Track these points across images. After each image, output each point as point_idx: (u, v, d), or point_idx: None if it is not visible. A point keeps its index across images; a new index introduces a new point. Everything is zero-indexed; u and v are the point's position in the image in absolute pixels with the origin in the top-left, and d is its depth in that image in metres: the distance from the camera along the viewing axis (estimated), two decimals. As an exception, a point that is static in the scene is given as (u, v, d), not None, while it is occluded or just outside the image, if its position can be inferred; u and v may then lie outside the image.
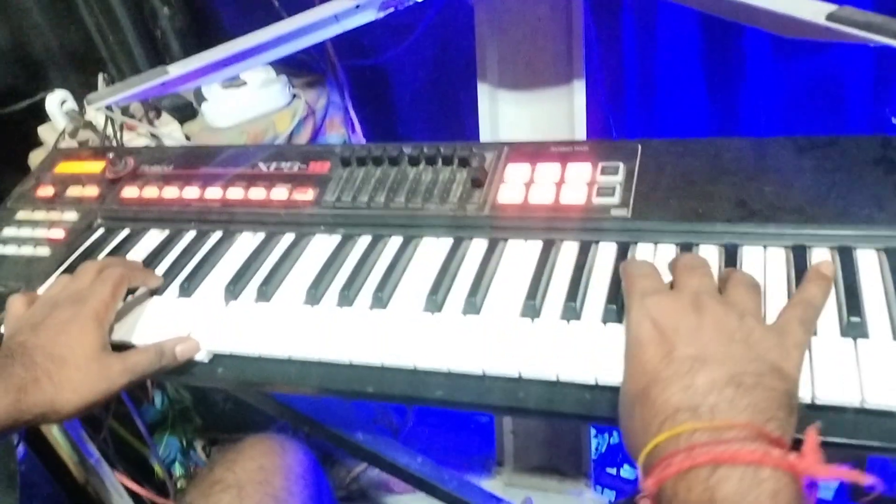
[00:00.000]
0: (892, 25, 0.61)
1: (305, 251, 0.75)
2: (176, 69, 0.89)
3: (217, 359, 0.67)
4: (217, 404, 1.63)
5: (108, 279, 0.67)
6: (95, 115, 1.31)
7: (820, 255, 0.60)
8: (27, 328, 0.63)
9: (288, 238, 0.77)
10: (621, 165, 0.71)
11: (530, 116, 1.10)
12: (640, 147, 0.73)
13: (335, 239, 0.75)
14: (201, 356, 0.67)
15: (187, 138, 1.43)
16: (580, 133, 1.09)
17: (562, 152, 0.75)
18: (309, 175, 0.82)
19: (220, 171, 0.86)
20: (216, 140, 1.42)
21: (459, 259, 0.69)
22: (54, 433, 1.28)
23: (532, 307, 0.61)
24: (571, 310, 0.60)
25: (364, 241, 0.74)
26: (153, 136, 1.33)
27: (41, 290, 0.75)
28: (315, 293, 0.68)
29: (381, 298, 0.66)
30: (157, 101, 1.48)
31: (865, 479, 0.41)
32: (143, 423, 1.48)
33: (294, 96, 1.49)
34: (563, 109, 1.09)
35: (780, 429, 0.42)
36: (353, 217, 0.76)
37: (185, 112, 1.49)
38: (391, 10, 0.98)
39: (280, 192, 0.81)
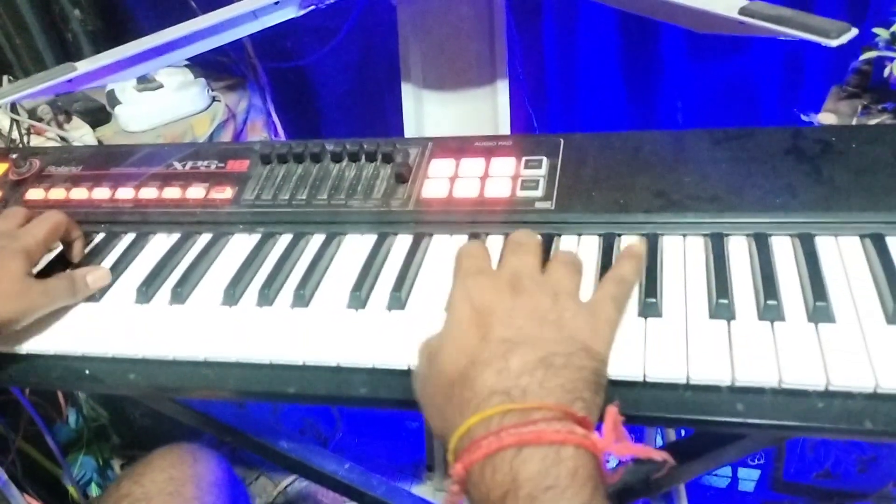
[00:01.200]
0: (801, 18, 0.62)
1: (223, 251, 0.72)
2: (84, 65, 0.85)
3: (128, 364, 0.64)
4: (135, 420, 1.57)
5: (44, 222, 0.69)
6: (1, 117, 1.25)
7: (737, 243, 0.62)
8: None
9: (205, 238, 0.74)
10: (544, 159, 0.71)
11: (455, 116, 1.10)
12: (562, 141, 0.73)
13: (254, 238, 0.73)
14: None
15: (100, 143, 1.37)
16: (504, 131, 1.09)
17: (486, 147, 0.75)
18: (227, 173, 0.79)
19: (133, 171, 0.82)
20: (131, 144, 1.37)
21: (384, 255, 0.68)
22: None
23: (457, 300, 0.60)
24: (497, 302, 0.60)
25: (285, 239, 0.72)
26: (62, 139, 1.27)
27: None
28: (233, 293, 0.66)
29: (302, 296, 0.64)
30: (67, 104, 1.42)
31: (658, 455, 0.44)
32: (55, 443, 1.41)
33: (213, 99, 1.45)
34: (487, 108, 1.09)
35: (585, 409, 0.43)
36: (273, 215, 0.74)
37: (98, 115, 1.43)
38: (312, 7, 0.97)
39: (196, 192, 0.78)
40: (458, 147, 0.75)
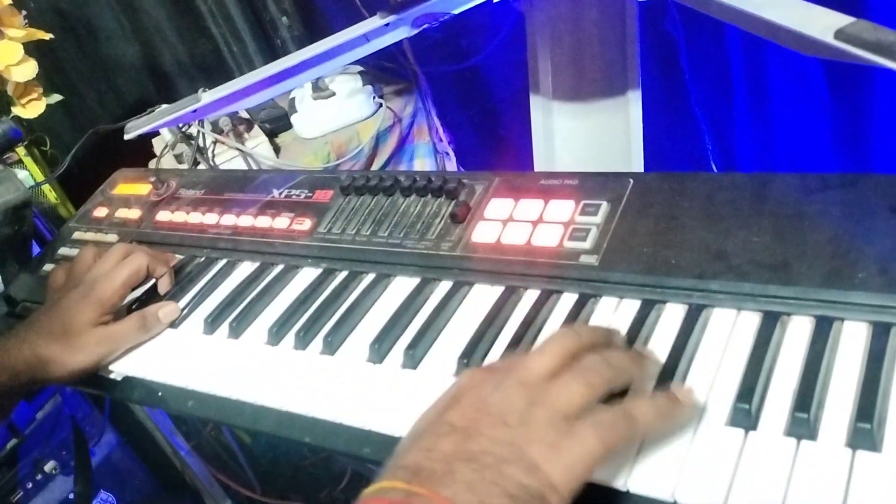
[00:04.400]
0: (905, 45, 0.49)
1: (288, 286, 0.75)
2: (208, 97, 0.92)
3: (189, 393, 0.69)
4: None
5: (124, 269, 0.74)
6: (195, 129, 1.39)
7: (798, 325, 0.51)
8: (46, 306, 0.74)
9: (276, 270, 0.77)
10: (604, 204, 0.64)
11: (585, 129, 1.03)
12: (631, 182, 0.65)
13: (316, 273, 0.74)
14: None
15: (276, 151, 1.48)
16: (637, 148, 1.00)
17: (549, 186, 0.69)
18: (311, 204, 0.81)
19: (240, 197, 0.88)
20: (303, 152, 1.47)
21: (419, 304, 0.65)
22: (149, 426, 1.39)
23: (465, 366, 0.57)
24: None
25: (341, 277, 0.72)
26: (240, 150, 1.39)
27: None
28: (276, 334, 0.68)
29: (330, 344, 0.64)
30: (254, 113, 1.55)
31: None
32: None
33: (379, 105, 1.49)
34: (619, 121, 1.01)
35: None
36: (336, 250, 0.74)
37: (280, 123, 1.54)
38: (425, 26, 0.95)
39: (282, 222, 0.81)
40: (521, 185, 0.70)
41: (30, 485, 1.18)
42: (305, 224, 0.79)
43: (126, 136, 0.95)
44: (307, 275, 0.75)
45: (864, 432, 0.42)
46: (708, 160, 1.23)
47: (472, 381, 0.48)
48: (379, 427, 0.56)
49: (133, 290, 0.76)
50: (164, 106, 0.94)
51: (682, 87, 1.21)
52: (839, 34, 0.53)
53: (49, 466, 1.21)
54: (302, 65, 0.92)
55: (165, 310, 0.74)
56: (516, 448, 0.42)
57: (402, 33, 0.95)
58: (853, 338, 0.48)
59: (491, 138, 1.55)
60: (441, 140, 1.54)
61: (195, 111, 0.93)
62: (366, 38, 0.93)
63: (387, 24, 0.92)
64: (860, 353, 0.47)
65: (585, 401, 0.45)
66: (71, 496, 1.22)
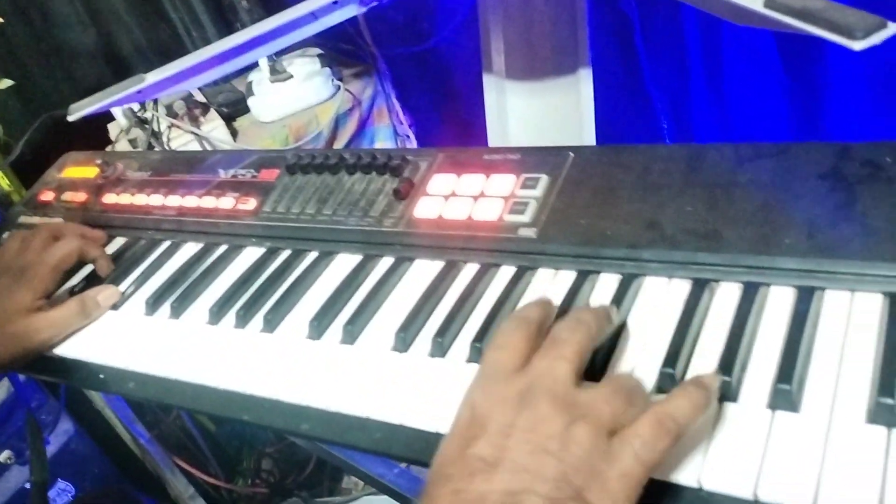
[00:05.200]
0: (828, 13, 0.49)
1: (230, 266, 0.74)
2: (152, 77, 0.90)
3: (130, 374, 0.68)
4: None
5: (55, 251, 0.73)
6: (150, 113, 1.37)
7: (727, 291, 0.51)
8: None
9: (220, 251, 0.76)
10: (544, 177, 0.64)
11: (538, 108, 1.03)
12: (571, 155, 0.65)
13: (259, 252, 0.73)
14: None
15: (234, 135, 1.46)
16: (588, 125, 1.00)
17: (491, 161, 0.68)
18: (257, 183, 0.80)
19: (186, 178, 0.87)
20: (260, 136, 1.45)
21: (360, 280, 0.65)
22: (107, 414, 1.37)
23: (402, 340, 0.57)
24: (438, 346, 0.55)
25: (284, 255, 0.72)
26: (195, 134, 1.37)
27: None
28: (217, 313, 0.67)
29: (270, 321, 0.63)
30: (211, 97, 1.53)
31: None
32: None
33: (338, 88, 1.48)
34: (570, 100, 1.01)
35: None
36: (281, 229, 0.74)
37: (237, 107, 1.52)
38: (374, 4, 0.94)
39: (227, 202, 0.80)
40: (465, 160, 0.70)
41: (-16, 475, 1.17)
42: (250, 204, 0.78)
43: (70, 118, 0.93)
44: (251, 254, 0.74)
45: (784, 393, 0.42)
46: (664, 138, 1.23)
47: (489, 399, 0.42)
48: (316, 402, 0.56)
49: (71, 274, 0.75)
50: (110, 87, 0.92)
51: (637, 65, 1.21)
52: (769, 3, 0.53)
53: (3, 456, 1.19)
54: (249, 43, 0.91)
55: (105, 293, 0.72)
56: (563, 481, 0.37)
57: (351, 11, 0.94)
58: (779, 302, 0.49)
59: (451, 120, 1.54)
60: (402, 123, 1.53)
61: (140, 92, 0.91)
62: (314, 15, 0.92)
63: (335, 2, 0.91)
64: (785, 317, 0.47)
65: (629, 415, 0.40)
66: (27, 485, 1.20)
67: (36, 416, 1.20)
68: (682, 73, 1.24)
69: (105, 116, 1.55)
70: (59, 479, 1.28)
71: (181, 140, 1.38)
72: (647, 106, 1.22)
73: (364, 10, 0.94)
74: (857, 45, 0.47)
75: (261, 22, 0.92)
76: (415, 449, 0.51)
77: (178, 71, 0.91)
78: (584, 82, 0.99)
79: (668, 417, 0.39)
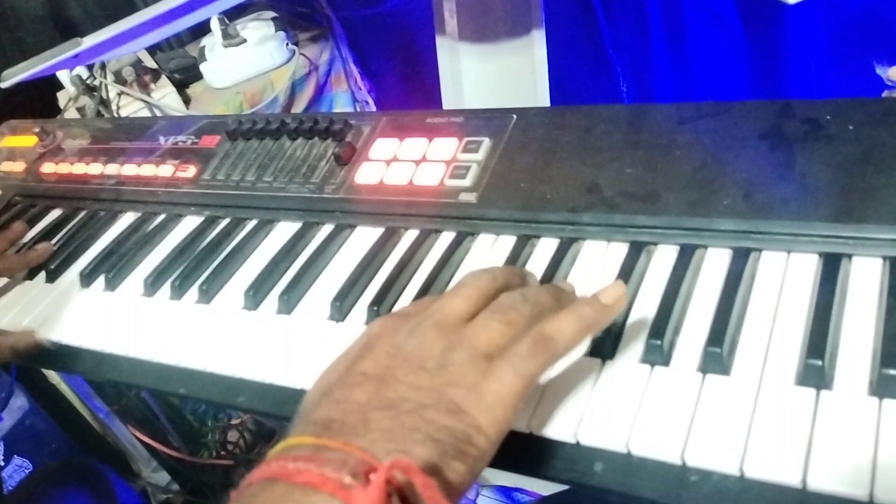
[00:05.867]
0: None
1: (168, 236, 0.72)
2: (88, 41, 0.87)
3: (61, 348, 0.66)
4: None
5: None
6: (98, 80, 1.33)
7: (664, 254, 0.50)
8: None
9: (157, 220, 0.74)
10: (486, 141, 0.62)
11: (492, 71, 1.01)
12: (514, 118, 0.63)
13: (198, 221, 0.71)
14: (48, 344, 0.65)
15: (186, 102, 1.42)
16: (542, 88, 0.98)
17: (434, 124, 0.67)
18: (197, 150, 0.78)
19: (126, 145, 0.84)
20: (214, 102, 1.41)
21: (299, 249, 0.63)
22: (63, 388, 1.35)
23: (338, 309, 0.55)
24: (374, 314, 0.53)
25: (223, 224, 0.70)
26: (145, 102, 1.33)
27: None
28: (152, 284, 0.65)
29: (206, 292, 0.62)
30: (163, 62, 1.49)
31: None
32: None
33: (293, 52, 1.44)
34: (525, 62, 0.99)
35: (403, 465, 0.34)
36: (220, 197, 0.72)
37: (191, 73, 1.48)
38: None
39: (166, 170, 0.77)
40: (407, 124, 0.68)
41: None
42: (190, 171, 0.76)
43: (2, 84, 0.90)
44: (189, 223, 0.72)
45: (714, 356, 0.41)
46: (623, 101, 1.22)
47: (384, 328, 0.44)
48: (252, 375, 0.54)
49: None
50: (44, 52, 0.88)
51: (596, 26, 1.19)
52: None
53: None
54: (189, 4, 0.87)
55: (23, 341, 0.65)
56: (437, 392, 0.39)
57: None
58: (714, 264, 0.48)
59: (410, 84, 1.51)
60: (360, 88, 1.50)
61: (76, 56, 0.87)
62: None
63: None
64: (720, 279, 0.47)
65: (505, 339, 0.42)
66: (-21, 463, 1.18)
67: (-15, 393, 1.17)
68: (642, 35, 1.22)
69: (56, 85, 1.50)
70: (15, 456, 1.25)
71: (131, 108, 1.33)
72: (606, 68, 1.20)
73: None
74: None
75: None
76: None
77: (118, 33, 0.87)
78: (537, 43, 0.97)
79: (548, 339, 0.41)
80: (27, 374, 1.27)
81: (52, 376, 1.33)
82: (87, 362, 0.63)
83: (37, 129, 0.91)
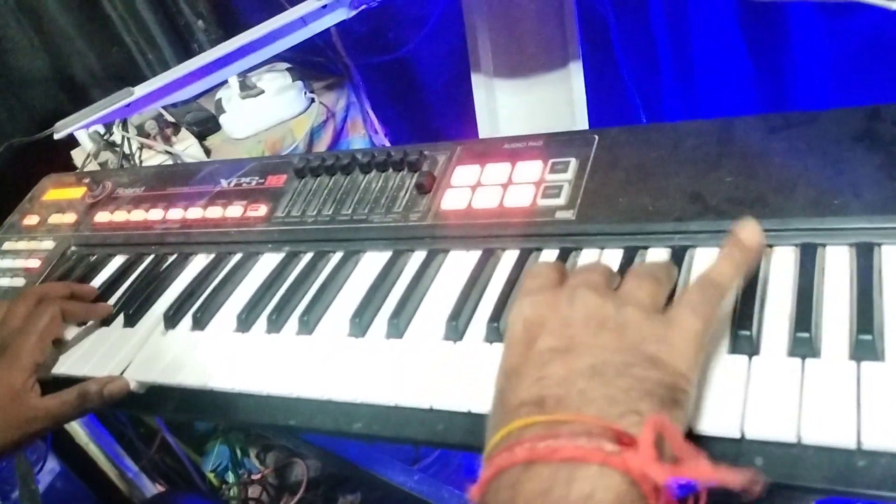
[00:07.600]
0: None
1: (249, 273, 0.72)
2: (141, 90, 0.88)
3: (156, 389, 0.65)
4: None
5: (38, 321, 0.65)
6: (118, 136, 1.33)
7: (783, 255, 0.52)
8: None
9: (235, 259, 0.74)
10: (572, 161, 0.64)
11: (529, 105, 1.03)
12: (596, 138, 0.65)
13: (279, 257, 0.71)
14: (135, 387, 0.64)
15: (207, 152, 1.43)
16: (581, 119, 1.01)
17: (513, 149, 0.68)
18: (265, 190, 0.78)
19: (185, 190, 0.84)
20: (235, 152, 1.42)
21: (395, 275, 0.64)
22: (92, 449, 1.31)
23: (455, 329, 0.55)
24: (493, 330, 0.54)
25: (306, 258, 0.70)
26: (169, 153, 1.34)
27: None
28: (245, 320, 0.65)
29: (306, 323, 0.62)
30: (179, 116, 1.50)
31: (738, 480, 0.33)
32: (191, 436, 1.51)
33: (311, 101, 1.46)
34: (562, 95, 1.02)
35: (638, 424, 0.36)
36: (298, 232, 0.72)
37: (208, 125, 1.49)
38: (363, 7, 0.93)
39: (235, 210, 0.78)
40: (485, 151, 0.70)
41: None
42: (261, 210, 0.76)
43: (56, 136, 0.90)
44: (269, 260, 0.72)
45: (867, 344, 0.43)
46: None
47: (536, 307, 0.44)
48: (369, 398, 0.54)
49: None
50: (97, 102, 0.89)
51: (614, 61, 1.23)
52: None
53: (-12, 501, 1.13)
54: (241, 50, 0.89)
55: (111, 387, 0.63)
56: (632, 350, 0.39)
57: (341, 15, 0.93)
58: (837, 261, 0.50)
59: (426, 128, 1.54)
60: (377, 132, 1.52)
61: (129, 106, 0.88)
62: (303, 20, 0.91)
63: (324, 6, 0.90)
64: (846, 275, 0.48)
65: (662, 293, 0.44)
66: (13, 530, 1.14)
67: (25, 456, 1.14)
68: (653, 66, 1.26)
69: (68, 143, 1.50)
70: (47, 520, 1.22)
71: (154, 160, 1.34)
72: (625, 98, 1.24)
73: (354, 13, 0.93)
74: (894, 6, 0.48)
75: (251, 30, 0.90)
76: (478, 434, 0.50)
77: (168, 82, 0.88)
78: (575, 76, 1.00)
79: (713, 280, 0.43)
80: (58, 437, 1.24)
81: (81, 438, 1.30)
82: (179, 401, 0.62)
83: (86, 180, 0.91)
